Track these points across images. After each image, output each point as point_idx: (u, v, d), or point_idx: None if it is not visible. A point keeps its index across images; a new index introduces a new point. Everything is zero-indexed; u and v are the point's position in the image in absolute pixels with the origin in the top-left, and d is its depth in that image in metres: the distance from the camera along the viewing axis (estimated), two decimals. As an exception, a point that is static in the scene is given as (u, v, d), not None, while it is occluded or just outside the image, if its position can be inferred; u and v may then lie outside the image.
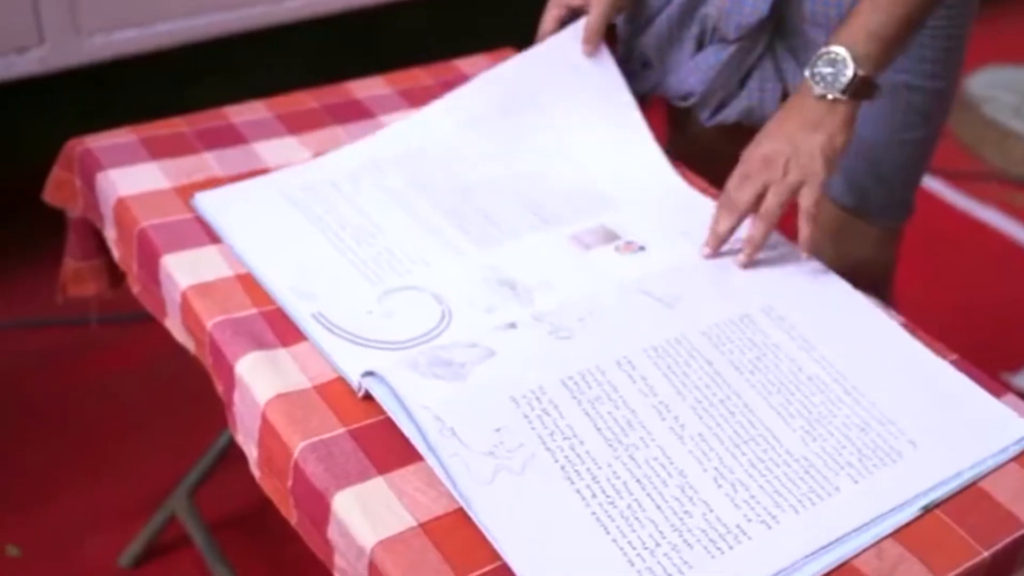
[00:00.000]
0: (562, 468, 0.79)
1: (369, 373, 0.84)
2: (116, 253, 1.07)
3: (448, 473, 0.77)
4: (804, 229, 0.98)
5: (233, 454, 1.39)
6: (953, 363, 0.96)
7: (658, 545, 0.75)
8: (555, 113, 1.16)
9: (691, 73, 1.16)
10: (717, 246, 1.01)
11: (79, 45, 1.72)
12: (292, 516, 0.84)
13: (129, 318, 1.72)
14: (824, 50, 0.98)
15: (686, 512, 0.78)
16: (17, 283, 1.80)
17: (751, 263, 1.01)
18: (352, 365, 0.85)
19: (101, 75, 1.81)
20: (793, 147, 0.97)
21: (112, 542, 1.42)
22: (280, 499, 0.85)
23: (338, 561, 0.79)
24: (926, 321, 0.99)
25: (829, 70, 0.97)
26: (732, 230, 1.00)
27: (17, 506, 1.47)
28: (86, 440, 1.58)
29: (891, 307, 1.04)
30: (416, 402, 0.81)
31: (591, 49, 1.16)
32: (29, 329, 1.76)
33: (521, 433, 0.81)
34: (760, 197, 0.99)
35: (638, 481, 0.79)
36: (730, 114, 1.17)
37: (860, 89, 0.97)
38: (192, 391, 1.51)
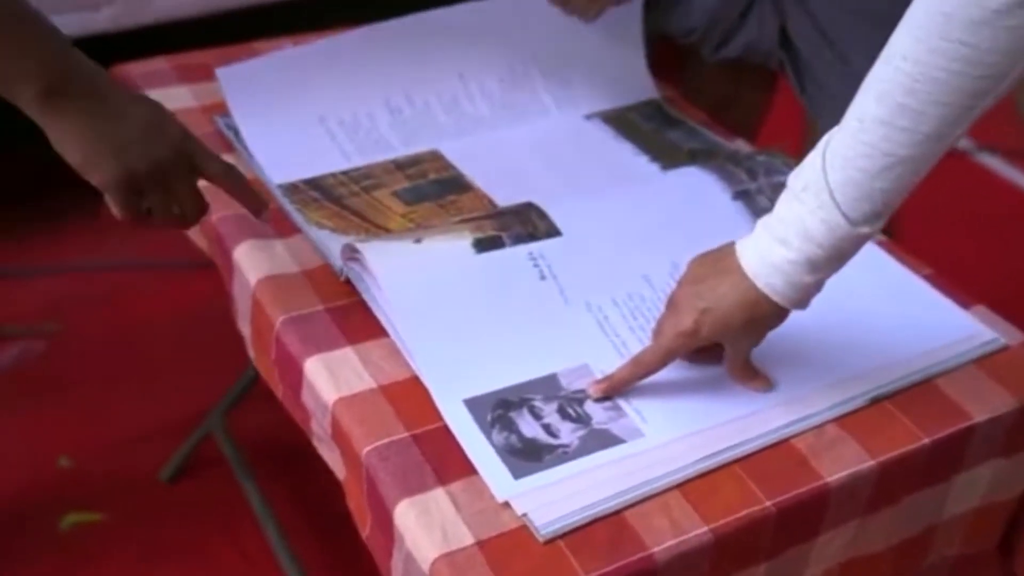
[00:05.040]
0: None
1: (351, 257, 0.90)
2: (147, 168, 1.16)
3: (407, 347, 0.83)
4: None
5: (265, 389, 1.48)
6: (927, 278, 0.98)
7: None
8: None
9: (693, 9, 1.20)
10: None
11: (148, 5, 1.84)
12: (278, 389, 0.90)
13: (177, 266, 1.85)
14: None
15: None
16: (85, 234, 1.92)
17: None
18: (336, 251, 0.92)
19: (167, 37, 1.93)
20: None
21: (154, 458, 1.52)
22: (268, 374, 0.92)
23: (314, 427, 0.85)
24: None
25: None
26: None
27: (70, 423, 1.58)
28: (133, 368, 1.69)
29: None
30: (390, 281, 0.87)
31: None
32: (92, 272, 1.89)
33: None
34: None
35: None
36: (732, 50, 1.20)
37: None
38: (229, 330, 1.61)
